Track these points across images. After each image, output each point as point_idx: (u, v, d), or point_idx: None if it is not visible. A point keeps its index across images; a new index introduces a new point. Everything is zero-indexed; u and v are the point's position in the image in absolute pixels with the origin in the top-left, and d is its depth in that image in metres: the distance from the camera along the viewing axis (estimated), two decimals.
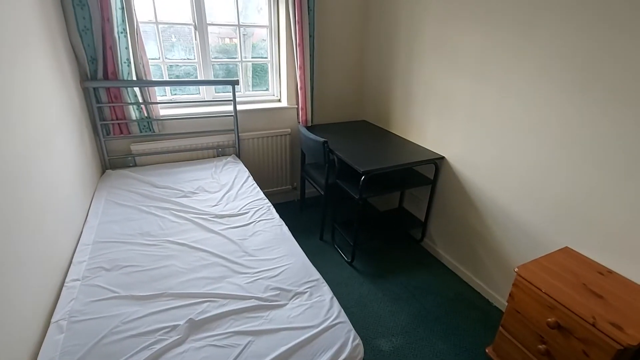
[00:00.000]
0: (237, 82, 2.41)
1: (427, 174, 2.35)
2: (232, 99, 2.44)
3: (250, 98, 2.75)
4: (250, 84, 2.76)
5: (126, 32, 2.04)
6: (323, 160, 2.26)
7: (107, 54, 2.05)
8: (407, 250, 2.48)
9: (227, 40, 2.69)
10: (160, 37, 2.37)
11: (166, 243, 1.54)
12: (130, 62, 2.11)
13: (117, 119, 2.22)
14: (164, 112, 2.41)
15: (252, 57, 2.70)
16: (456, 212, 2.19)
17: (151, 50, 2.40)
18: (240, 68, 2.66)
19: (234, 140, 2.58)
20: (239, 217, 1.77)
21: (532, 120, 1.65)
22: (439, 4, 2.07)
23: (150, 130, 2.33)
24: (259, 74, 2.80)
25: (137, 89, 2.20)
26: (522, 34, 1.63)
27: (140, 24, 2.26)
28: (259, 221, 1.73)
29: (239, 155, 2.61)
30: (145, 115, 2.28)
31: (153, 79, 2.27)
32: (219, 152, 2.58)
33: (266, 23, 2.61)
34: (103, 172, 2.23)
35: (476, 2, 1.83)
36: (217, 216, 1.77)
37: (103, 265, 1.38)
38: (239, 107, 2.59)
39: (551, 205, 1.63)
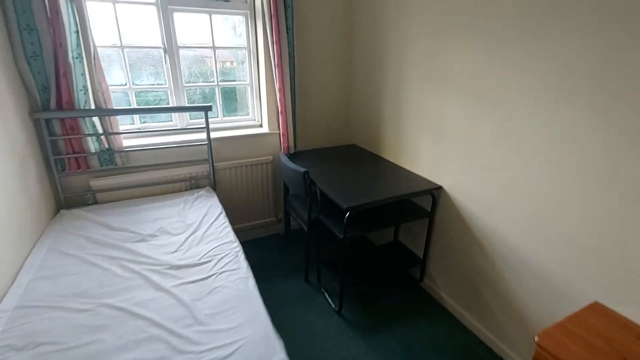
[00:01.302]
0: (209, 108, 2.18)
1: (423, 204, 2.08)
2: (209, 125, 2.21)
3: (228, 124, 2.53)
4: (220, 109, 2.54)
5: (82, 57, 1.84)
6: (304, 192, 2.00)
7: (60, 82, 1.84)
8: (405, 293, 2.17)
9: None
10: (127, 61, 2.17)
11: (102, 307, 1.26)
12: (87, 90, 1.90)
13: (73, 153, 1.99)
14: (130, 142, 2.18)
15: (229, 80, 2.50)
16: (458, 250, 1.89)
17: (117, 76, 2.20)
18: (217, 92, 2.45)
19: (208, 170, 2.33)
20: (199, 267, 1.50)
21: (542, 145, 1.38)
22: (428, 18, 1.85)
23: (112, 163, 2.10)
24: (238, 98, 2.58)
25: (95, 119, 1.98)
26: (523, 48, 1.39)
27: (100, 48, 2.08)
28: (222, 273, 1.45)
29: (214, 187, 2.36)
30: (106, 147, 2.05)
31: (115, 107, 2.06)
32: (192, 185, 2.33)
33: (243, 44, 2.42)
34: (57, 212, 1.98)
35: (469, 16, 1.61)
36: (172, 267, 1.49)
37: (15, 342, 1.10)
38: (215, 135, 2.37)
39: (573, 247, 1.34)
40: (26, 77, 1.77)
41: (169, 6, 2.13)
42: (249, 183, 2.52)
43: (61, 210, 1.97)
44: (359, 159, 2.41)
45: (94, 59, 1.89)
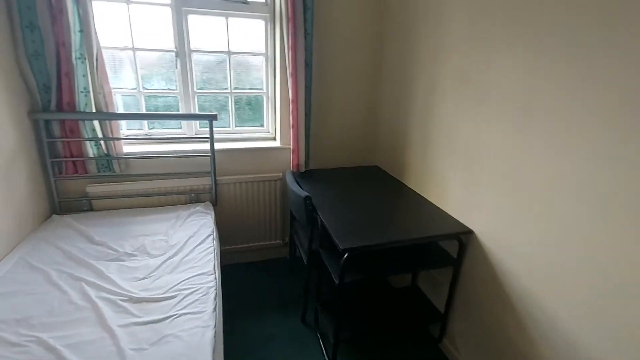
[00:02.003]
0: (214, 117, 2.01)
1: (448, 249, 1.70)
2: (213, 136, 2.04)
3: (240, 135, 2.34)
4: (233, 118, 2.35)
5: (84, 58, 1.75)
6: (305, 219, 1.72)
7: (62, 82, 1.76)
8: (418, 351, 1.79)
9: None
10: (137, 64, 2.07)
11: (34, 343, 1.08)
12: (88, 92, 1.80)
13: (71, 156, 1.90)
14: (135, 148, 2.06)
15: (245, 89, 2.32)
16: (488, 312, 1.50)
17: (127, 79, 2.11)
18: (230, 100, 2.28)
19: (210, 184, 2.15)
20: (160, 303, 1.28)
21: (610, 191, 0.99)
22: (467, 26, 1.51)
23: (109, 170, 1.99)
24: (254, 108, 2.39)
25: (96, 123, 1.88)
26: (588, 62, 1.01)
27: (111, 50, 2.00)
28: (182, 315, 1.22)
29: (215, 203, 2.17)
30: (105, 152, 1.95)
31: (117, 111, 1.95)
32: (192, 198, 2.16)
33: (261, 50, 2.23)
34: (52, 215, 1.89)
35: (518, 21, 1.25)
36: (131, 299, 1.29)
37: None
38: (223, 145, 2.19)
39: None
40: (27, 76, 1.71)
41: (183, 8, 2.00)
42: (255, 201, 2.30)
43: (53, 215, 1.88)
44: (378, 184, 2.09)
45: (97, 60, 1.79)
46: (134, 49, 2.03)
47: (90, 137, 1.88)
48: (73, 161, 1.91)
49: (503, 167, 1.38)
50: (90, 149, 1.91)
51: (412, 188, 2.02)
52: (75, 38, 1.71)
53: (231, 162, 2.21)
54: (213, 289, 1.36)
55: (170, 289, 1.35)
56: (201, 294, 1.32)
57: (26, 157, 1.75)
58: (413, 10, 1.92)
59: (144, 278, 1.43)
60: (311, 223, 1.72)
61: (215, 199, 2.17)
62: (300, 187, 1.96)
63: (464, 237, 1.57)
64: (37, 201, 1.83)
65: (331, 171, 2.29)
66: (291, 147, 2.13)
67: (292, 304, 2.06)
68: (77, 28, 1.71)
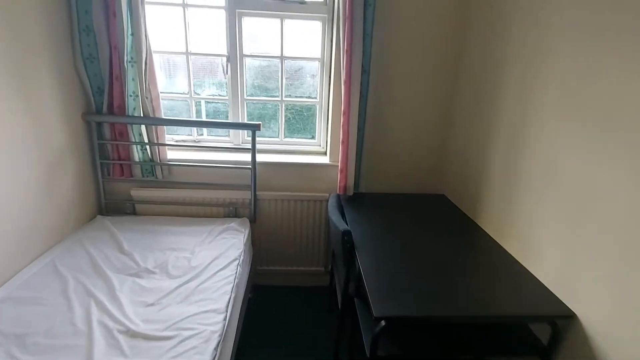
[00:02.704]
0: (257, 127, 1.83)
1: (535, 330, 1.24)
2: (258, 147, 1.89)
3: (288, 147, 2.14)
4: (282, 128, 2.15)
5: (134, 62, 1.72)
6: (342, 258, 1.42)
7: (113, 86, 1.76)
8: None
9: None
10: (191, 69, 2.01)
11: None
12: (137, 96, 1.77)
13: (119, 159, 1.90)
14: (178, 155, 2.00)
15: (297, 97, 2.11)
16: None
17: (180, 83, 2.06)
18: (280, 109, 2.10)
19: (249, 199, 1.98)
20: (154, 343, 1.10)
21: None
22: (582, 16, 1.06)
23: (153, 175, 1.94)
24: (307, 118, 2.17)
25: (143, 127, 1.84)
26: None
27: (166, 55, 1.96)
28: None
29: (253, 219, 2.00)
30: (149, 157, 1.91)
31: (162, 117, 1.89)
32: (231, 212, 2.01)
33: (317, 55, 2.00)
34: (97, 215, 1.91)
35: None
36: (130, 332, 1.14)
37: None
38: (268, 158, 2.01)
39: None
40: (82, 78, 1.74)
41: (237, 9, 1.88)
42: (298, 221, 2.07)
43: (97, 216, 1.89)
44: (442, 218, 1.69)
45: (146, 64, 1.75)
46: (187, 54, 1.97)
47: (136, 141, 1.85)
48: (120, 164, 1.91)
49: (635, 227, 0.90)
50: (137, 153, 1.89)
51: (487, 231, 1.57)
52: (127, 42, 1.68)
53: (274, 176, 2.01)
54: (217, 334, 1.14)
55: (173, 325, 1.17)
56: (201, 340, 1.11)
57: (77, 156, 1.77)
58: (501, 4, 1.49)
59: (152, 304, 1.28)
60: (349, 263, 1.41)
61: (253, 214, 2.00)
62: (344, 215, 1.67)
63: (560, 321, 1.10)
64: (84, 200, 1.85)
65: (385, 197, 1.94)
66: (339, 165, 1.84)
67: (324, 350, 1.77)
68: (129, 31, 1.68)
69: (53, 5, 1.56)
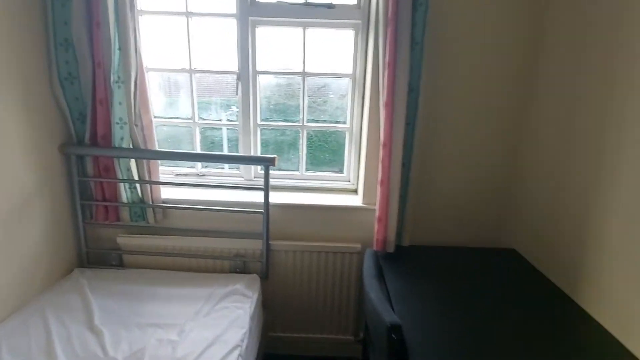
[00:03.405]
0: (271, 162, 1.44)
1: None
2: (274, 183, 1.51)
3: (311, 182, 1.73)
4: (304, 159, 1.75)
5: (121, 82, 1.39)
6: (387, 356, 0.97)
7: (97, 111, 1.43)
8: None
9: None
10: (194, 89, 1.67)
11: None
12: (124, 123, 1.43)
13: (104, 200, 1.55)
14: (175, 193, 1.63)
15: (325, 122, 1.72)
16: None
17: (183, 106, 1.72)
18: (301, 136, 1.71)
19: (261, 249, 1.57)
20: None
21: None
22: None
23: (143, 219, 1.58)
24: (333, 146, 1.77)
25: (132, 161, 1.50)
26: None
27: (159, 72, 1.64)
28: None
29: (266, 275, 1.58)
30: (140, 197, 1.55)
31: (157, 149, 1.54)
32: (238, 266, 1.60)
33: (347, 70, 1.62)
34: (74, 269, 1.55)
35: None
36: None
37: None
38: (285, 198, 1.62)
39: None
40: (60, 103, 1.42)
41: (250, 17, 1.53)
42: (321, 278, 1.63)
43: (75, 270, 1.53)
44: (520, 288, 1.21)
45: (136, 85, 1.41)
46: (190, 71, 1.63)
47: (124, 178, 1.50)
48: (105, 205, 1.56)
49: None
50: (124, 193, 1.53)
51: (591, 314, 1.07)
52: (114, 58, 1.36)
53: (293, 221, 1.61)
54: None
55: None
56: None
57: (51, 197, 1.43)
58: (596, 6, 1.05)
59: None
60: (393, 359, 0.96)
61: (266, 270, 1.58)
62: (383, 278, 1.22)
63: None
64: (60, 251, 1.50)
65: (437, 252, 1.48)
66: (377, 212, 1.41)
67: None
68: (116, 45, 1.35)
69: (24, 15, 1.26)
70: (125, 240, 1.60)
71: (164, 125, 1.74)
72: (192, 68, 1.64)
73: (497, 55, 1.42)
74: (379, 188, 1.37)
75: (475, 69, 1.43)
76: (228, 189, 1.64)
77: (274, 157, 1.43)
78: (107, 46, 1.35)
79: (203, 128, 1.75)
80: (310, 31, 1.58)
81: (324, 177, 1.76)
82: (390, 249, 1.41)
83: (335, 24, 1.55)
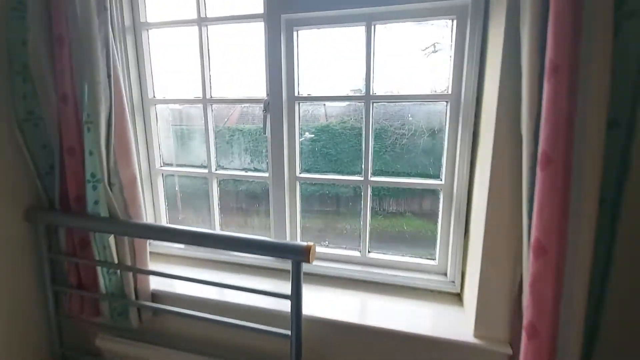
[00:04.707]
0: (303, 256, 0.80)
1: None
2: (315, 270, 0.90)
3: (376, 273, 1.05)
4: (366, 233, 1.08)
5: (90, 123, 0.93)
6: None
7: (65, 164, 1.00)
8: None
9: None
10: (211, 125, 1.16)
11: None
12: (97, 181, 0.97)
13: (79, 286, 1.10)
14: (172, 282, 1.10)
15: (403, 175, 1.05)
16: None
17: (196, 149, 1.23)
18: (364, 196, 1.05)
19: None
20: None
21: None
22: None
23: (126, 317, 1.07)
24: (418, 214, 1.08)
25: (111, 238, 1.02)
26: None
27: (163, 104, 1.17)
28: None
29: None
30: (120, 286, 1.05)
31: (141, 222, 1.04)
32: None
33: (443, 89, 0.94)
34: None
35: None
36: None
37: None
38: (331, 306, 0.96)
39: None
40: (23, 152, 1.02)
41: (282, 15, 0.98)
42: None
43: None
44: None
45: (109, 125, 0.94)
46: (205, 100, 1.13)
47: (100, 259, 1.03)
48: (81, 295, 1.10)
49: None
50: (102, 278, 1.05)
51: None
52: (85, 88, 0.91)
53: (343, 352, 0.93)
54: None
55: None
56: None
57: (15, 279, 1.03)
58: None
59: None
60: None
61: None
62: None
63: None
64: (27, 350, 1.07)
65: None
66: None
67: None
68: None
69: None
70: (105, 344, 1.11)
71: (171, 175, 1.26)
72: (208, 97, 1.14)
73: None
74: (524, 337, 0.62)
75: None
76: (248, 291, 1.05)
77: (309, 248, 0.79)
78: (76, 72, 0.92)
79: (223, 180, 1.23)
80: (379, 29, 0.95)
81: (401, 264, 1.06)
82: None
83: (423, 12, 0.90)
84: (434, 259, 1.04)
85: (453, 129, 0.93)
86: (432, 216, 1.03)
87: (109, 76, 0.91)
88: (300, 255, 0.79)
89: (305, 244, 0.80)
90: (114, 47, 0.93)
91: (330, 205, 1.15)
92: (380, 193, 1.08)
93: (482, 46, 0.83)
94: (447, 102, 0.94)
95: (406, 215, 1.09)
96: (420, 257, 1.06)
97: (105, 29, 0.89)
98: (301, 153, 1.11)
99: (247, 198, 1.26)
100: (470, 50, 0.86)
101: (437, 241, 1.02)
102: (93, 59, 0.88)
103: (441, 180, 0.98)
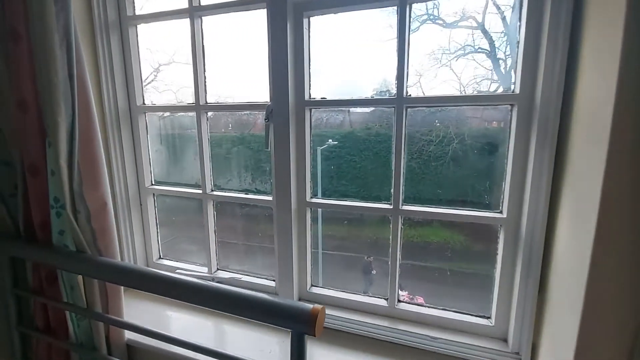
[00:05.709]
0: (308, 327, 0.56)
1: None
2: (335, 323, 0.65)
3: (410, 333, 0.79)
4: (395, 276, 0.82)
5: (51, 134, 0.75)
6: None
7: (27, 184, 0.82)
8: None
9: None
10: (208, 135, 0.96)
11: None
12: (60, 207, 0.78)
13: (47, 330, 0.91)
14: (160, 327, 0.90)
15: (446, 202, 0.80)
16: None
17: (191, 167, 1.04)
18: (392, 229, 0.80)
19: None
20: None
21: None
22: None
23: None
24: (466, 253, 0.82)
25: (80, 277, 0.83)
26: None
27: (150, 113, 0.98)
28: None
29: None
30: (90, 335, 0.86)
31: (118, 264, 0.84)
32: None
33: (506, 87, 0.67)
34: None
35: None
36: None
37: None
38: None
39: None
40: None
41: None
42: None
43: None
44: None
45: (72, 137, 0.75)
46: (198, 105, 0.93)
47: (67, 300, 0.84)
48: (49, 342, 0.92)
49: None
50: (70, 324, 0.86)
51: None
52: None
53: None
54: None
55: None
56: None
57: None
58: None
59: None
60: None
61: None
62: None
63: None
64: None
65: None
66: None
67: None
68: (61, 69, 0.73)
69: None
70: None
71: (163, 195, 1.07)
72: (202, 102, 0.94)
73: None
74: None
75: None
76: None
77: (316, 314, 0.55)
78: (38, 74, 0.74)
79: (219, 203, 1.02)
80: (414, 11, 0.71)
81: (441, 320, 0.80)
82: None
83: None
84: (488, 317, 0.77)
85: (521, 143, 0.67)
86: (487, 257, 0.77)
87: (70, 77, 0.73)
88: (302, 324, 0.55)
89: (311, 306, 0.56)
90: (79, 41, 0.74)
91: (347, 231, 0.91)
92: (415, 227, 0.83)
93: (573, 23, 0.57)
94: (511, 105, 0.68)
95: (449, 253, 0.83)
96: (469, 314, 0.79)
97: (66, 17, 0.71)
98: (313, 171, 0.87)
99: (251, 222, 1.04)
100: (553, 30, 0.59)
101: (493, 294, 0.75)
102: (48, 55, 0.70)
103: (501, 212, 0.72)
